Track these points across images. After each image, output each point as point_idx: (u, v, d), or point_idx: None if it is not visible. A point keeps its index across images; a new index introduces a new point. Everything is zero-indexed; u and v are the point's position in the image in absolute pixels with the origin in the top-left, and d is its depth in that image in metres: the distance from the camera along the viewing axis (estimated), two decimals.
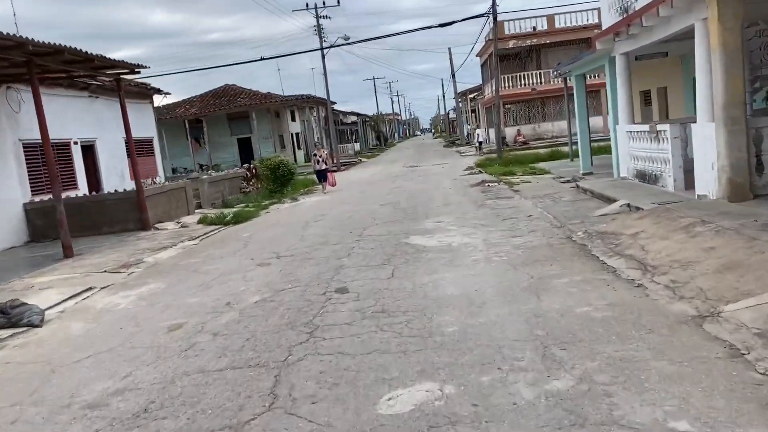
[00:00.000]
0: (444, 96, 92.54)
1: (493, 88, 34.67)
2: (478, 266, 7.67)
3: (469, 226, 10.82)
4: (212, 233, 13.75)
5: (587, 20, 35.99)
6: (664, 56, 15.70)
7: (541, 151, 29.31)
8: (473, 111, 60.80)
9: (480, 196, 15.51)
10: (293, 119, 48.50)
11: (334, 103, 45.08)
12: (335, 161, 37.24)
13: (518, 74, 36.68)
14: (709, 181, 8.91)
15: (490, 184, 18.04)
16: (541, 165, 21.98)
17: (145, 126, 22.15)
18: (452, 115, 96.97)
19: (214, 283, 8.34)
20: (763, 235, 6.33)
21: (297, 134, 48.87)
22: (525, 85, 36.31)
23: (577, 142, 18.92)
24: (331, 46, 34.86)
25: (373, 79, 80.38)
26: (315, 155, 22.24)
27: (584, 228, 9.21)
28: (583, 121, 18.05)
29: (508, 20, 35.73)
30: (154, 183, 20.50)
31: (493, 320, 5.46)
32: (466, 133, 55.46)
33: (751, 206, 8.02)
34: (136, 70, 14.99)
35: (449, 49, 52.63)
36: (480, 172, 22.61)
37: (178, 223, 16.00)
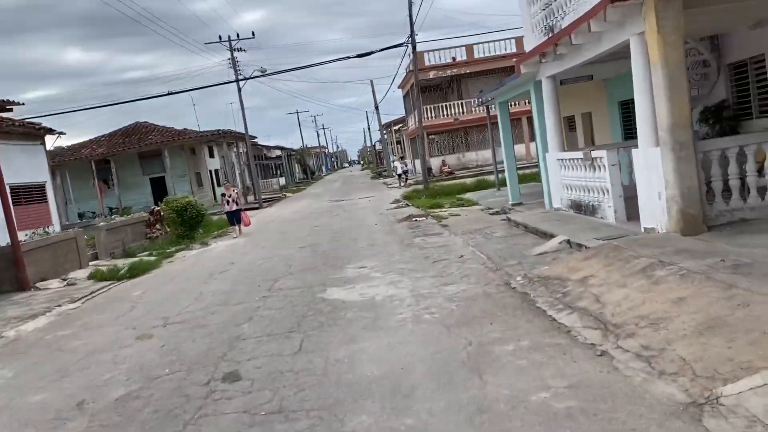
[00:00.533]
0: (369, 128, 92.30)
1: (417, 119, 34.13)
2: (405, 329, 6.31)
3: (396, 271, 9.49)
4: (100, 292, 11.78)
5: (505, 49, 36.21)
6: (589, 79, 15.19)
7: (468, 180, 28.72)
8: (398, 142, 60.46)
9: (407, 233, 14.30)
10: (211, 155, 46.24)
11: (254, 137, 43.40)
12: (257, 197, 35.39)
13: (440, 104, 36.33)
14: (656, 213, 7.99)
15: (418, 219, 16.91)
16: (469, 195, 21.14)
17: (34, 169, 19.78)
18: (379, 146, 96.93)
19: (75, 368, 6.56)
20: (738, 280, 5.30)
21: (216, 171, 46.66)
22: (447, 115, 35.96)
23: (503, 171, 18.15)
24: (246, 78, 33.33)
25: (297, 112, 79.54)
26: (224, 195, 20.36)
27: (523, 271, 8.05)
28: (509, 149, 17.30)
29: (428, 50, 35.49)
30: (46, 233, 18.13)
31: (425, 421, 4.06)
32: (392, 165, 54.92)
33: (709, 240, 7.09)
34: (8, 107, 13.00)
35: (371, 81, 52.28)
36: (407, 205, 21.52)
37: (65, 280, 13.85)
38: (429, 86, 37.64)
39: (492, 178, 23.70)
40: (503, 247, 10.31)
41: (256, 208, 33.60)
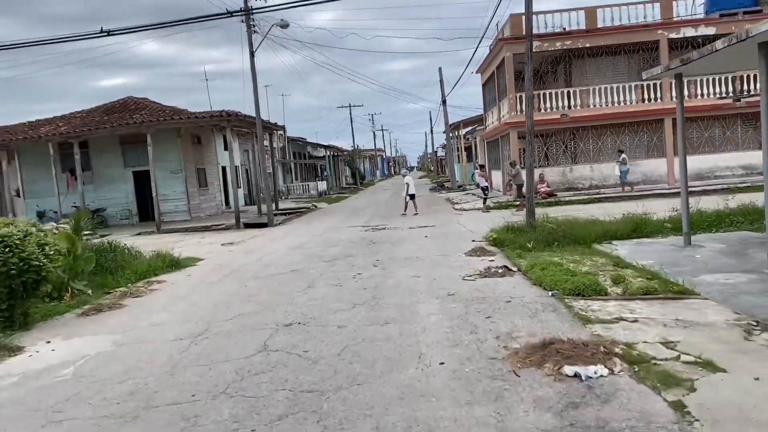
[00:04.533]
0: (432, 130, 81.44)
1: (522, 106, 23.12)
2: None
3: None
4: None
5: (643, 17, 24.66)
6: None
7: (591, 210, 17.60)
8: (467, 149, 49.29)
9: None
10: (226, 148, 36.47)
11: (275, 126, 33.26)
12: (266, 210, 25.00)
13: (541, 92, 25.01)
14: None
15: (570, 352, 5.85)
16: (619, 248, 10.16)
17: None
18: (441, 152, 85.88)
19: None
20: None
21: (235, 168, 36.79)
22: (550, 108, 24.68)
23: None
24: (264, 36, 23.10)
25: (349, 106, 68.94)
26: None
27: None
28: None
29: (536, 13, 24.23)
30: None
31: None
32: (457, 176, 43.77)
33: None
34: None
35: (440, 69, 41.29)
36: (504, 270, 10.34)
37: None
38: (523, 68, 26.42)
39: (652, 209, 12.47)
40: None
41: (260, 226, 23.28)
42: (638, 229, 12.95)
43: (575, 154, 25.15)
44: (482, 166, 21.95)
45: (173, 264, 12.79)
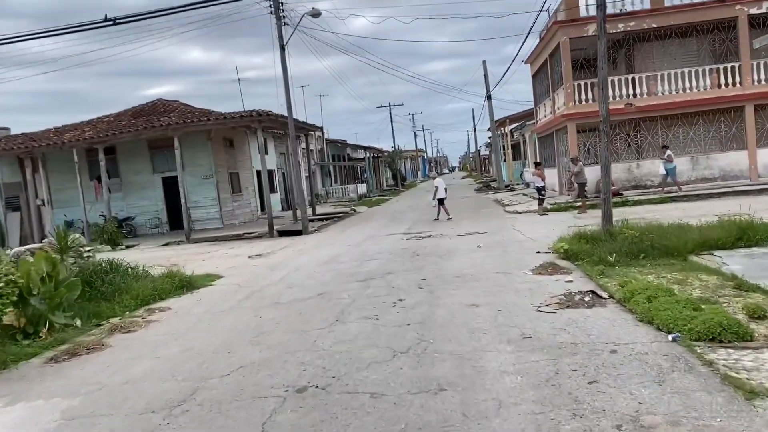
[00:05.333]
0: (475, 129, 78.69)
1: (582, 95, 20.82)
2: None
3: None
4: None
5: None
6: None
7: (668, 211, 15.25)
8: (514, 146, 46.64)
9: None
10: (264, 151, 34.92)
11: (315, 126, 31.48)
12: (301, 215, 23.11)
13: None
14: None
15: None
16: (728, 262, 7.87)
17: None
18: (485, 151, 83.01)
19: None
20: None
21: (270, 172, 35.27)
22: (612, 98, 21.98)
23: None
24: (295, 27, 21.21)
25: (389, 105, 66.87)
26: None
27: None
28: None
29: None
30: None
31: None
32: (503, 175, 41.19)
33: None
34: None
35: (483, 62, 38.77)
36: (592, 297, 8.03)
37: None
38: (579, 56, 23.87)
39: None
40: None
41: (294, 234, 21.44)
42: (744, 235, 10.44)
43: (641, 148, 22.41)
44: (538, 164, 19.50)
45: (185, 285, 10.94)
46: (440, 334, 6.37)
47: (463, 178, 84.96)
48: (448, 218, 20.29)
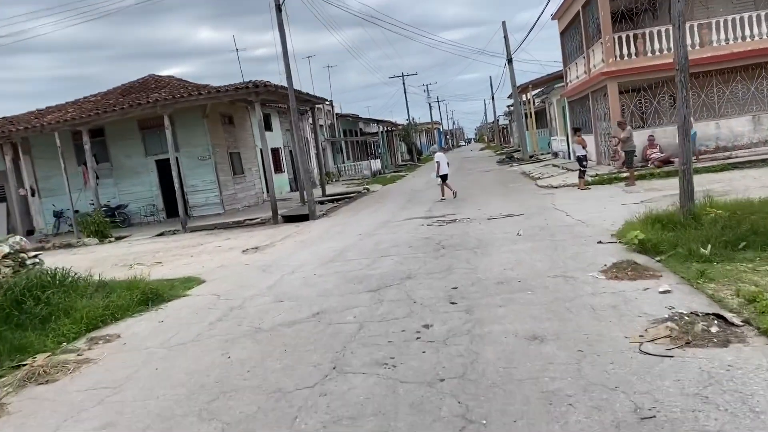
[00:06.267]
0: (493, 97, 75.29)
1: (623, 49, 18.07)
2: None
3: None
4: None
5: None
6: None
7: (735, 181, 12.83)
8: (536, 114, 43.63)
9: None
10: (268, 128, 32.48)
11: (321, 99, 28.90)
12: (307, 198, 20.63)
13: (646, 30, 19.43)
14: None
15: None
16: None
17: None
18: (503, 121, 79.67)
19: None
20: None
21: (276, 150, 32.88)
22: (657, 51, 19.09)
23: None
24: None
25: (402, 75, 63.69)
26: None
27: None
28: None
29: None
30: None
31: None
32: (527, 145, 38.28)
33: None
34: None
35: (503, 23, 35.71)
36: (719, 320, 5.64)
37: None
38: (616, 8, 20.87)
39: None
40: None
41: (300, 219, 19.08)
42: None
43: (693, 107, 19.51)
44: (577, 129, 16.73)
45: (150, 298, 8.59)
46: (496, 408, 3.91)
47: (482, 149, 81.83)
48: (453, 196, 18.44)
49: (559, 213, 12.61)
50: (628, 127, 16.25)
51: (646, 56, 18.70)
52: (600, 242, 8.84)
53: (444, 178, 19.11)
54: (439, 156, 19.71)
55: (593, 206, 12.83)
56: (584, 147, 16.44)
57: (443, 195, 18.88)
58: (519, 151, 43.38)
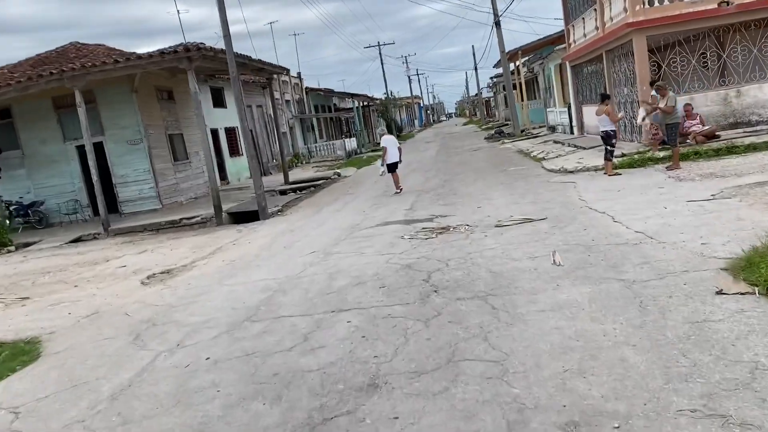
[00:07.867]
0: (476, 68, 70.88)
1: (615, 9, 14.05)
2: None
3: None
4: None
5: None
6: None
7: None
8: (527, 84, 39.58)
9: None
10: (220, 103, 28.05)
11: (268, 68, 24.60)
12: (260, 190, 16.45)
13: None
14: None
15: None
16: None
17: None
18: (486, 93, 75.43)
19: None
20: None
21: (231, 130, 28.53)
22: None
23: None
24: None
25: (378, 44, 59.01)
26: None
27: None
28: None
29: None
30: None
31: None
32: (518, 119, 34.20)
33: None
34: None
35: None
36: None
37: None
38: None
39: None
40: None
41: (250, 218, 14.96)
42: None
43: (742, 67, 15.51)
44: (606, 97, 12.61)
45: None
46: None
47: (465, 124, 77.67)
48: (396, 192, 14.97)
49: (599, 216, 8.64)
50: (671, 93, 12.25)
51: (683, 1, 14.64)
52: (721, 292, 4.88)
53: (393, 167, 15.32)
54: (387, 140, 15.69)
55: (644, 204, 8.90)
56: (614, 121, 12.41)
57: (398, 188, 15.05)
58: (508, 125, 39.42)
